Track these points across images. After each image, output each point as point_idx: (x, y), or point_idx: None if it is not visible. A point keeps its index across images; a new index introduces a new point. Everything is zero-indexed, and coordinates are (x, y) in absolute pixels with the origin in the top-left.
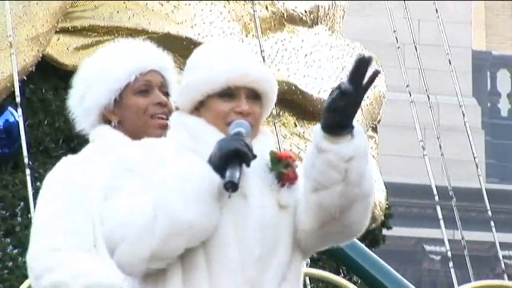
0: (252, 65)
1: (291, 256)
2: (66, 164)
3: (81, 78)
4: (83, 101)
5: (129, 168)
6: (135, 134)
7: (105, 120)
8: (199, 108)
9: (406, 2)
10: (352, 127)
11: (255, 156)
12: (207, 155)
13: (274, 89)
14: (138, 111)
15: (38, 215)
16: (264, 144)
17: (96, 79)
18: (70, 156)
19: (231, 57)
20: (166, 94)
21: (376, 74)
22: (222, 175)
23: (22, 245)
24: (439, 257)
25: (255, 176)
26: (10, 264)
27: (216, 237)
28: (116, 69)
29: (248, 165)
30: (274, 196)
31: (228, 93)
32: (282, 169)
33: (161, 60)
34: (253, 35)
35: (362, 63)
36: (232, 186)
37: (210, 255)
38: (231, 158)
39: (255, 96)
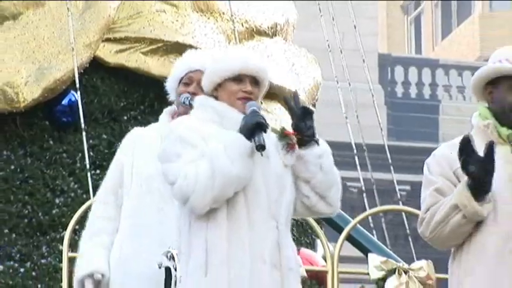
0: (255, 61)
1: (290, 200)
2: (128, 135)
3: None
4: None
5: (181, 139)
6: (177, 112)
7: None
8: (217, 88)
9: (334, 20)
10: (317, 140)
11: (268, 127)
12: (231, 128)
13: (267, 78)
14: (181, 95)
15: None
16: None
17: (171, 75)
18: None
19: (241, 55)
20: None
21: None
22: (251, 140)
23: (80, 182)
24: (356, 190)
25: (271, 144)
26: (72, 194)
27: (251, 184)
28: (177, 69)
29: (266, 132)
30: (280, 158)
31: (238, 78)
32: (288, 141)
33: (206, 63)
34: (233, 43)
35: (296, 99)
36: (262, 148)
37: (247, 196)
38: (255, 128)
39: (255, 82)
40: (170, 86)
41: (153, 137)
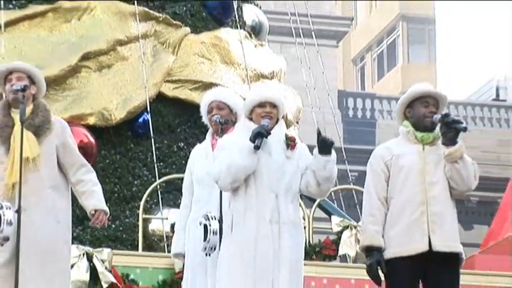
0: (271, 92)
1: (290, 180)
2: (191, 152)
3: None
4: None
5: (221, 147)
6: (213, 131)
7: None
8: (251, 113)
9: (310, 69)
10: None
11: (269, 134)
12: None
13: (282, 103)
14: (209, 121)
15: None
16: (280, 127)
17: (202, 107)
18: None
19: (263, 90)
20: (220, 108)
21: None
22: (254, 143)
23: (150, 170)
24: None
25: (276, 145)
26: (145, 178)
27: (258, 171)
28: (203, 104)
29: (266, 137)
30: (283, 153)
31: (262, 104)
32: (289, 142)
33: (220, 95)
34: (246, 83)
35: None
36: (256, 148)
37: (256, 179)
38: (257, 135)
39: (273, 106)
40: (204, 116)
41: (202, 154)
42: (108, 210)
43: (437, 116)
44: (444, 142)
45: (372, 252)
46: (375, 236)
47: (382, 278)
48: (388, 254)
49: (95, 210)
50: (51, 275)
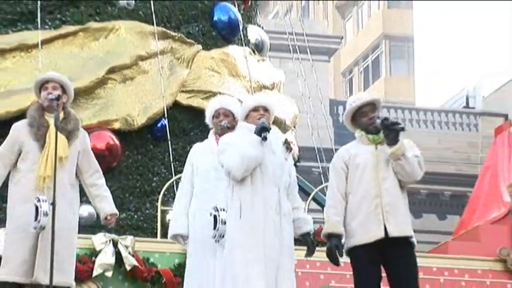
0: (263, 98)
1: (286, 179)
2: (192, 149)
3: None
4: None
5: (227, 143)
6: (217, 133)
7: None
8: (247, 116)
9: (305, 81)
10: None
11: (270, 128)
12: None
13: (273, 107)
14: (215, 124)
15: None
16: (274, 130)
17: (208, 112)
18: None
19: (256, 97)
20: (226, 115)
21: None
22: (260, 136)
23: (167, 168)
24: (317, 172)
25: (277, 146)
26: (163, 175)
27: (264, 166)
28: (209, 108)
29: (268, 131)
30: (282, 154)
31: (256, 109)
32: (288, 145)
33: (226, 103)
34: (250, 93)
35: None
36: (264, 139)
37: (262, 171)
38: (262, 130)
39: (266, 110)
40: (208, 118)
41: (206, 150)
42: (118, 213)
43: (378, 121)
44: (388, 143)
45: (332, 239)
46: (337, 225)
47: (341, 260)
48: (351, 243)
49: (110, 215)
50: (63, 258)
